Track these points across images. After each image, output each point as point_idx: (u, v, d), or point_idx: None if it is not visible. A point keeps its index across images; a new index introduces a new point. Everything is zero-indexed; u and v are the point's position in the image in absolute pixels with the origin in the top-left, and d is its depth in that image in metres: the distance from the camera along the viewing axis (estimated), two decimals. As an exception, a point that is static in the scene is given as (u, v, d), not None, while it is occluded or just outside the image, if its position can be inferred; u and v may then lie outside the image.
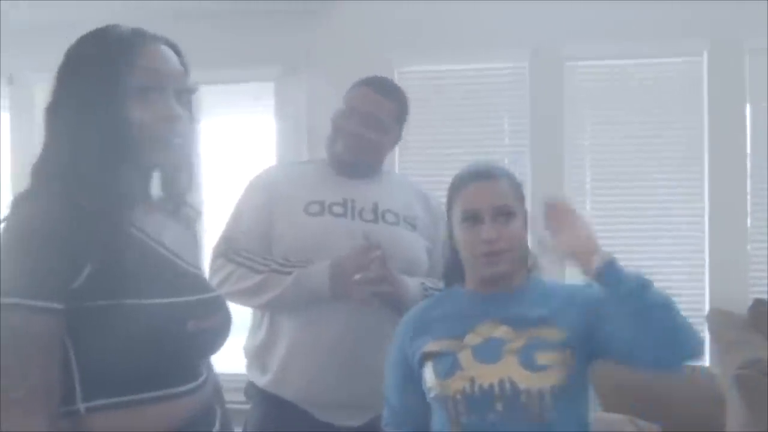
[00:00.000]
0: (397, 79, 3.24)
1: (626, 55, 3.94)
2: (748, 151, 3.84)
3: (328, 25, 4.06)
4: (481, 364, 1.42)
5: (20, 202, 1.10)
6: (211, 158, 3.82)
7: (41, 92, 4.57)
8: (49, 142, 1.14)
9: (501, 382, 1.39)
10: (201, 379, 1.21)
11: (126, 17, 1.23)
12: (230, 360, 1.62)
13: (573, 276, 1.50)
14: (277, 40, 4.10)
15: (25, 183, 1.14)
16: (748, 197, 3.82)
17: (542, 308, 1.47)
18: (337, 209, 1.89)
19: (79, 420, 1.09)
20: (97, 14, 1.41)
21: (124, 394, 1.10)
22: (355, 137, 1.91)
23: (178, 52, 1.21)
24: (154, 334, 1.09)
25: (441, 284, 1.77)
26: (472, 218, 1.50)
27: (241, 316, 1.79)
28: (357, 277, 1.73)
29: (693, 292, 3.83)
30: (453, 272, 1.62)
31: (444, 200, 1.64)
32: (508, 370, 1.40)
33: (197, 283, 1.24)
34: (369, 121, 1.90)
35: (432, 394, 1.46)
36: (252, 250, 1.87)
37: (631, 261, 2.49)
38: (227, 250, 1.88)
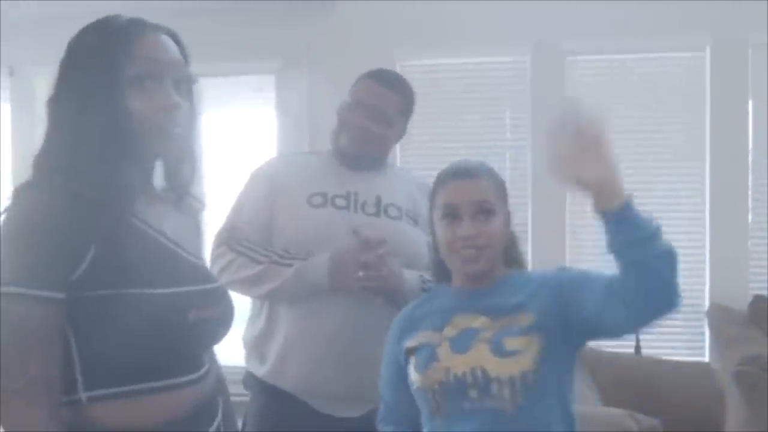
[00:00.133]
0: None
1: (628, 49, 3.94)
2: (750, 146, 3.84)
3: (329, 19, 4.06)
4: (456, 355, 1.44)
5: (21, 192, 1.10)
6: (213, 150, 3.82)
7: (42, 84, 4.59)
8: (51, 134, 1.14)
9: (473, 370, 1.40)
10: (203, 370, 1.21)
11: (128, 9, 1.23)
12: (229, 351, 1.62)
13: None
14: (279, 33, 4.10)
15: (26, 174, 1.14)
16: (749, 193, 3.83)
17: (519, 295, 1.48)
18: (340, 202, 1.89)
19: (80, 410, 1.10)
20: (99, 5, 1.41)
21: (126, 384, 1.10)
22: (360, 130, 1.90)
23: (178, 42, 1.21)
24: (155, 323, 1.10)
25: None
26: (452, 215, 1.50)
27: (242, 307, 1.79)
28: (360, 274, 1.74)
29: (693, 288, 3.83)
30: (439, 269, 1.62)
31: None
32: (479, 359, 1.41)
33: (199, 273, 1.24)
34: (374, 114, 1.90)
35: (414, 387, 1.49)
36: (254, 241, 1.87)
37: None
38: (229, 239, 1.88)
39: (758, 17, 3.65)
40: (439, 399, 1.44)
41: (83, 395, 1.09)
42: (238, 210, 1.95)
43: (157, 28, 1.18)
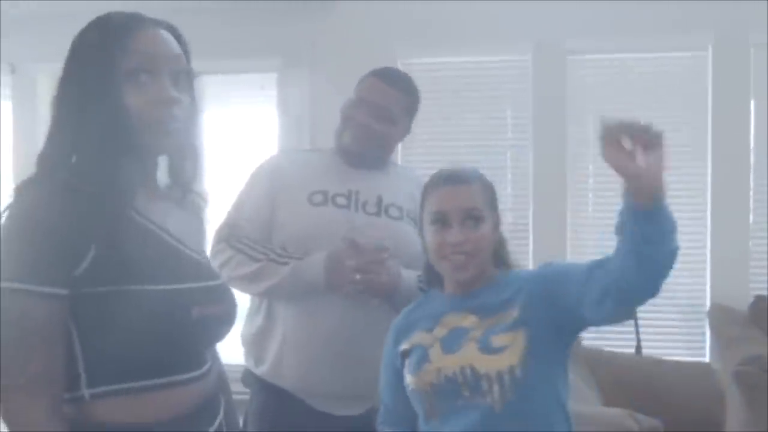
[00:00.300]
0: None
1: (629, 49, 3.94)
2: (752, 146, 3.83)
3: (330, 17, 4.06)
4: (446, 355, 1.46)
5: (23, 189, 1.10)
6: (214, 147, 3.82)
7: (43, 81, 4.59)
8: (52, 131, 1.15)
9: (462, 369, 1.42)
10: (205, 368, 1.21)
11: (130, 6, 1.22)
12: (228, 350, 1.62)
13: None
14: (281, 31, 4.10)
15: (27, 171, 1.14)
16: (751, 193, 3.82)
17: (506, 293, 1.50)
18: (341, 200, 1.88)
19: (83, 406, 1.10)
20: (99, 4, 1.40)
21: (129, 381, 1.10)
22: (363, 128, 1.90)
23: (178, 37, 1.20)
24: (158, 320, 1.09)
25: None
26: (441, 221, 1.51)
27: (241, 305, 1.79)
28: (357, 277, 1.74)
29: (694, 288, 3.83)
30: (429, 273, 1.63)
31: None
32: (468, 357, 1.43)
33: (202, 270, 1.23)
34: (378, 112, 1.90)
35: (409, 389, 1.50)
36: (253, 238, 1.87)
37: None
38: (229, 236, 1.88)
39: (760, 17, 3.65)
40: (432, 400, 1.46)
41: (86, 392, 1.09)
42: (238, 207, 1.95)
43: (157, 23, 1.18)
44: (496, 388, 1.40)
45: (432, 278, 1.63)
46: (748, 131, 3.83)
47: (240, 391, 1.78)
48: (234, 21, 4.04)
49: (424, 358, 1.47)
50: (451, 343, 1.47)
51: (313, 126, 4.02)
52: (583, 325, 1.50)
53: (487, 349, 1.42)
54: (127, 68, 1.11)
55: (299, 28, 4.07)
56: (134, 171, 1.15)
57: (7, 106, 4.46)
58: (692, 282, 3.81)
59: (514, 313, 1.45)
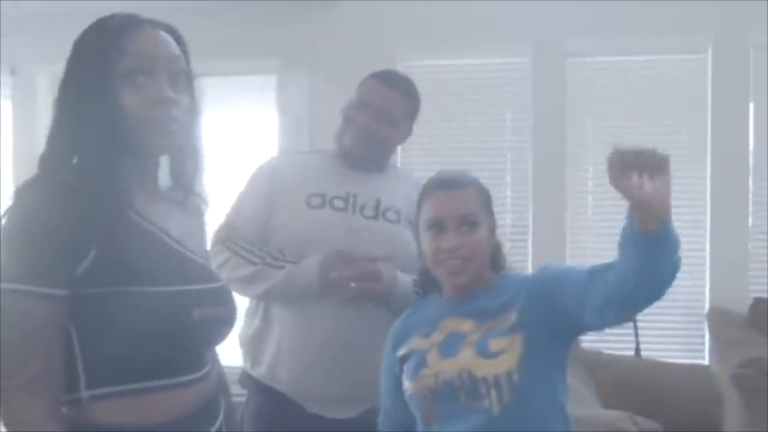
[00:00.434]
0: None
1: (629, 51, 3.94)
2: (751, 149, 3.83)
3: (330, 19, 4.06)
4: (444, 360, 1.46)
5: (24, 190, 1.10)
6: (214, 149, 3.81)
7: (43, 82, 4.58)
8: (53, 132, 1.15)
9: (460, 374, 1.42)
10: (205, 370, 1.21)
11: (129, 8, 1.23)
12: (225, 352, 1.62)
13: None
14: (280, 33, 4.09)
15: (27, 171, 1.14)
16: (750, 196, 3.82)
17: (503, 297, 1.50)
18: (338, 203, 1.88)
19: (82, 408, 1.10)
20: (99, 4, 1.40)
21: (128, 382, 1.10)
22: (364, 130, 1.90)
23: (177, 38, 1.20)
24: (158, 321, 1.09)
25: None
26: (437, 226, 1.51)
27: (242, 307, 1.79)
28: (352, 285, 1.75)
29: (693, 291, 3.83)
30: (425, 278, 1.63)
31: None
32: (465, 362, 1.43)
33: (203, 272, 1.23)
34: (379, 115, 1.90)
35: (407, 394, 1.51)
36: (251, 240, 1.87)
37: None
38: (227, 237, 1.88)
39: (760, 19, 3.65)
40: (431, 404, 1.46)
41: (85, 393, 1.09)
42: (237, 208, 1.95)
43: (155, 24, 1.18)
44: (493, 392, 1.40)
45: (428, 283, 1.63)
46: (748, 133, 3.82)
47: (237, 393, 1.78)
48: (233, 21, 4.04)
49: (421, 363, 1.48)
50: (449, 347, 1.47)
51: (313, 127, 4.02)
52: (582, 330, 1.51)
53: (484, 353, 1.42)
54: (124, 69, 1.11)
55: (298, 29, 4.07)
56: (134, 172, 1.16)
57: (7, 106, 4.46)
58: (691, 285, 3.81)
59: (512, 317, 1.45)
